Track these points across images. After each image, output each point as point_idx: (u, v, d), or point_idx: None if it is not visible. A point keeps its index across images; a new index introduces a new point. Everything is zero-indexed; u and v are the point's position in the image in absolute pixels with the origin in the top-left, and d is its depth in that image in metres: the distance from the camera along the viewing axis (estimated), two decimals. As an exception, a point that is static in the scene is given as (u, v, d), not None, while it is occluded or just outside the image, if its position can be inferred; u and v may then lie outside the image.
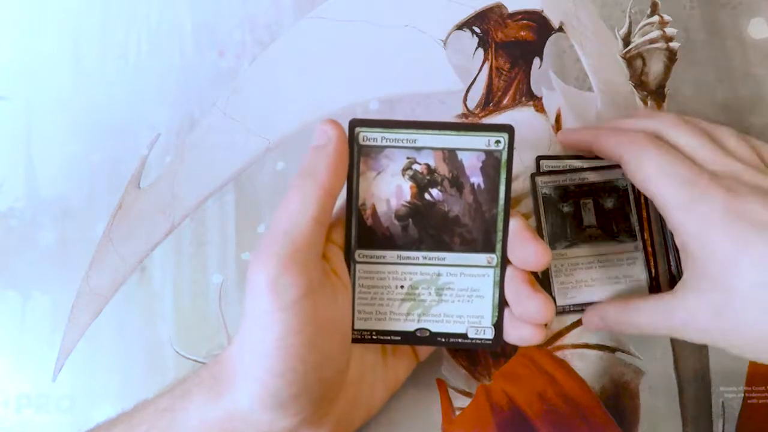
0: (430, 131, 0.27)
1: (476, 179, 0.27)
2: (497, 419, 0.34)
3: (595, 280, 0.34)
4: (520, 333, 0.28)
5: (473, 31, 0.39)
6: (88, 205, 0.38)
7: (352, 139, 0.27)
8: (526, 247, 0.27)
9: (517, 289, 0.28)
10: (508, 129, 0.27)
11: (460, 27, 0.39)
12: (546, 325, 0.28)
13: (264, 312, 0.25)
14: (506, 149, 0.27)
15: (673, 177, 0.27)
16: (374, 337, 0.29)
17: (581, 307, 0.34)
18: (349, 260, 0.28)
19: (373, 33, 0.39)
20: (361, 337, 0.29)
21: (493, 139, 0.27)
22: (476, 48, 0.39)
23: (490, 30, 0.39)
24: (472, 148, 0.27)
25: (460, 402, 0.34)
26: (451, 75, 0.39)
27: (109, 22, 0.40)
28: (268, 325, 0.25)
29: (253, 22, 0.40)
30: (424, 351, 0.33)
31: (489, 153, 0.27)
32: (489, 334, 0.28)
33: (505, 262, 0.28)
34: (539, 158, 0.36)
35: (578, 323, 0.35)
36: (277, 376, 0.25)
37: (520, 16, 0.39)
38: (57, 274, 0.37)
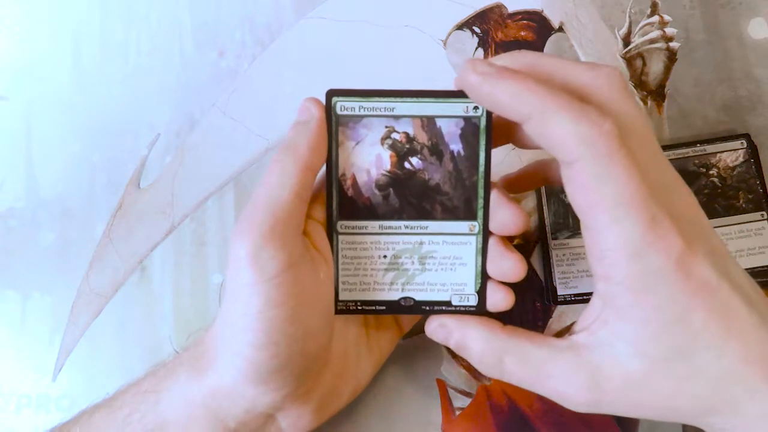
0: (407, 99, 0.27)
1: (455, 146, 0.27)
2: (497, 419, 0.34)
3: None
4: (492, 299, 0.28)
5: (473, 31, 0.39)
6: (88, 205, 0.38)
7: (330, 109, 0.27)
8: (504, 211, 0.27)
9: (491, 250, 0.28)
10: None
11: (460, 27, 0.39)
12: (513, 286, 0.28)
13: (245, 285, 0.25)
14: (484, 115, 0.27)
15: (631, 199, 0.22)
16: (359, 307, 0.28)
17: (582, 298, 0.34)
18: (332, 232, 0.28)
19: (373, 33, 0.39)
20: (346, 308, 0.28)
21: (471, 105, 0.26)
22: (476, 48, 0.39)
23: (490, 30, 0.39)
24: (450, 114, 0.27)
25: (460, 402, 0.34)
26: (451, 75, 0.39)
27: (109, 22, 0.40)
28: (250, 298, 0.25)
29: (253, 22, 0.40)
30: (407, 323, 0.33)
31: (467, 119, 0.27)
32: (472, 301, 0.28)
33: (487, 229, 0.28)
34: None
35: (578, 323, 0.35)
36: (259, 349, 0.25)
37: (520, 16, 0.39)
38: (57, 274, 0.37)
